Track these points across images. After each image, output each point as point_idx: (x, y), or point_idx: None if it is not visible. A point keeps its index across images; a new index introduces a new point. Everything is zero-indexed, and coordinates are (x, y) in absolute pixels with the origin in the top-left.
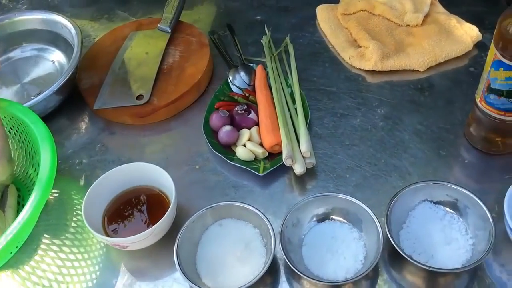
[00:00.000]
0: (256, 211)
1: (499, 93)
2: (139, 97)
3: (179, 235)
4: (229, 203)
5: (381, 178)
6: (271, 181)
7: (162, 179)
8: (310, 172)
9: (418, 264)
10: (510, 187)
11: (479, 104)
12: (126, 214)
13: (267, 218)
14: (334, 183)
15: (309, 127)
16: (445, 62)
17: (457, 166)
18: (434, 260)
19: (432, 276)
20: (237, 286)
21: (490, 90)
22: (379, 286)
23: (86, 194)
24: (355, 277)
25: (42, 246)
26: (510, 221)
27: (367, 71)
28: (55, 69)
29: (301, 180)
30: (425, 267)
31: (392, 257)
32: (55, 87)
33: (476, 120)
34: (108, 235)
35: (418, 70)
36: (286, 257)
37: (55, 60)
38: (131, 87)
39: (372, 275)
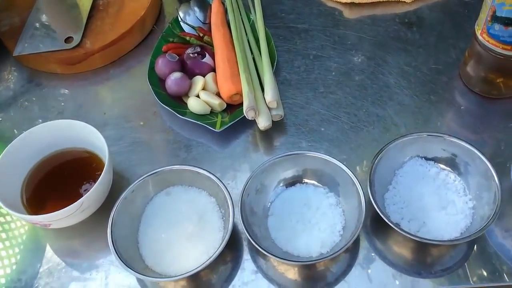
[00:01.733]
0: (211, 175)
1: (506, 22)
2: (68, 39)
3: (114, 209)
4: (176, 167)
5: (362, 130)
6: (231, 138)
7: (94, 140)
8: (277, 126)
9: (407, 234)
10: None
11: (480, 37)
12: (50, 184)
13: (223, 184)
14: (307, 138)
15: (276, 72)
16: None
17: (451, 114)
18: (427, 228)
19: (424, 246)
20: (188, 269)
21: (495, 18)
22: (360, 261)
23: None
24: (333, 253)
25: None
26: None
27: (345, 4)
28: None
29: (267, 136)
30: (416, 238)
31: (376, 225)
32: None
33: (475, 57)
34: (28, 211)
35: (404, 1)
36: (248, 232)
37: None
38: (58, 28)
39: (352, 248)
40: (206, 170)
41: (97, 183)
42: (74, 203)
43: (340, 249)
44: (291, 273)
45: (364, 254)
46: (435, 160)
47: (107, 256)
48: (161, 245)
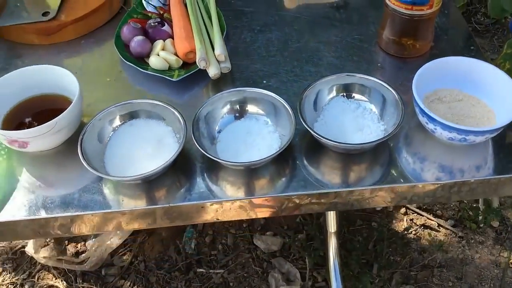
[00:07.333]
0: (167, 106)
1: None
2: (45, 14)
3: (83, 130)
4: (138, 100)
5: (298, 82)
6: (186, 90)
7: (68, 83)
8: (226, 80)
9: (329, 141)
10: (419, 70)
11: (388, 2)
12: (28, 120)
13: (178, 111)
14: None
15: (226, 42)
16: None
17: (370, 70)
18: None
19: (346, 157)
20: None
21: None
22: (296, 169)
23: None
24: (268, 157)
25: None
26: (418, 98)
27: None
28: None
29: (218, 87)
30: (335, 143)
31: (308, 146)
32: None
33: (387, 22)
34: None
35: None
36: (198, 144)
37: None
38: (36, 5)
39: (289, 162)
40: (164, 102)
41: (69, 107)
42: (48, 122)
43: (274, 153)
44: (234, 175)
45: (301, 165)
46: (354, 97)
47: (76, 181)
48: (124, 163)
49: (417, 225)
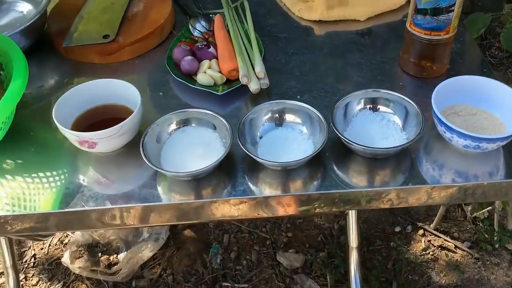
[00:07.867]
0: (216, 115)
1: (424, 12)
2: (106, 36)
3: (144, 133)
4: (191, 109)
5: (328, 97)
6: (229, 103)
7: (130, 94)
8: (264, 95)
9: (358, 145)
10: (437, 86)
11: (409, 28)
12: (95, 125)
13: (226, 120)
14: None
15: (264, 63)
16: (382, 14)
17: (393, 88)
18: None
19: (371, 163)
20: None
21: (417, 11)
22: (327, 172)
23: (57, 102)
24: (303, 158)
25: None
26: (437, 111)
27: (315, 23)
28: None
29: (256, 101)
30: (363, 147)
31: (337, 152)
32: (18, 27)
33: (408, 46)
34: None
35: (359, 20)
36: (243, 146)
37: (24, 11)
38: (98, 29)
39: (321, 166)
40: (213, 111)
41: (133, 114)
42: (116, 125)
43: (308, 156)
44: (272, 175)
45: (330, 169)
46: (380, 110)
47: (135, 178)
48: (177, 162)
49: (435, 246)
